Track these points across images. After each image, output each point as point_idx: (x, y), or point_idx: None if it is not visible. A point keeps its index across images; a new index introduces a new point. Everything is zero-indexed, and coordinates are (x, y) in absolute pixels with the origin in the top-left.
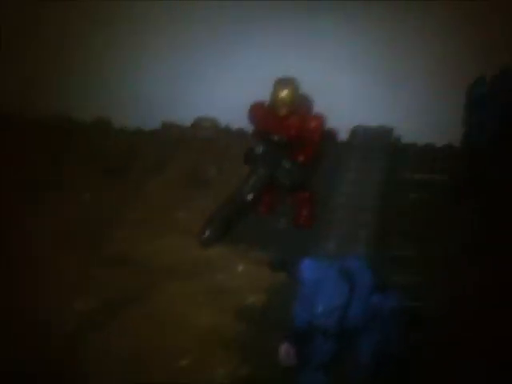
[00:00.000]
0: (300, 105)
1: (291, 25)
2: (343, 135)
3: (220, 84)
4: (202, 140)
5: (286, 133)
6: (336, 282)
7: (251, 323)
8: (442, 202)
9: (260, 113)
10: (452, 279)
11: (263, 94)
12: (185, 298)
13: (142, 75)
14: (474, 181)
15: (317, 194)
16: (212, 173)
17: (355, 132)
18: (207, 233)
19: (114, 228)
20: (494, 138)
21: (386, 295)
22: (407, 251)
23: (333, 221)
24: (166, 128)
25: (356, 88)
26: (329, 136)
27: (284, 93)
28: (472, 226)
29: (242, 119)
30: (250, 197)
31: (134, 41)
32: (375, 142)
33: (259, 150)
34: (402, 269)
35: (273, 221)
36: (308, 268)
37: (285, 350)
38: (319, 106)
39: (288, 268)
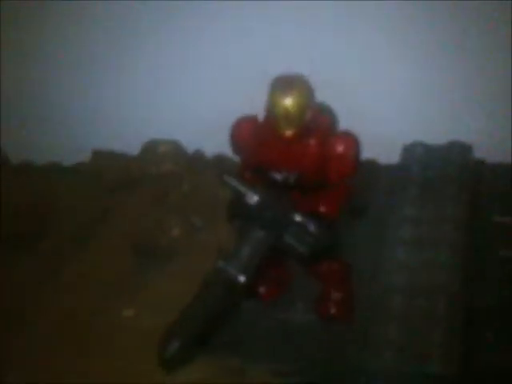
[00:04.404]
0: (316, 119)
1: None
2: (387, 159)
3: (184, 88)
4: (157, 177)
5: (297, 167)
6: None
7: None
8: None
9: (251, 135)
10: None
11: (254, 101)
12: None
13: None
14: None
15: (353, 266)
16: (173, 235)
17: (411, 154)
18: (171, 348)
19: (17, 344)
20: None
21: None
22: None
23: (385, 311)
24: (97, 160)
25: (405, 90)
26: (368, 168)
27: (289, 101)
28: None
29: (222, 141)
30: (242, 279)
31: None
32: (446, 169)
33: (254, 199)
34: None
35: (283, 311)
36: None
37: None
38: (346, 120)
39: None
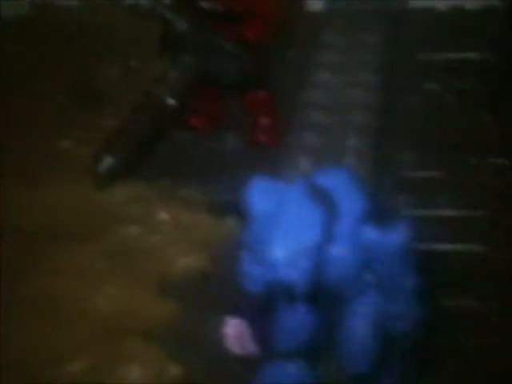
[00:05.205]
0: None
1: None
2: None
3: None
4: (94, 27)
5: None
6: (303, 205)
7: (183, 301)
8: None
9: None
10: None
11: None
12: (79, 268)
13: None
14: None
15: (281, 92)
16: (110, 76)
17: None
18: (104, 164)
19: None
20: None
21: (388, 227)
22: (419, 171)
23: (305, 124)
24: (35, 12)
25: None
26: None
27: None
28: None
29: None
30: (171, 102)
31: None
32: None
33: (182, 25)
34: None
35: (214, 140)
36: (258, 191)
37: (234, 333)
38: None
39: (240, 213)
